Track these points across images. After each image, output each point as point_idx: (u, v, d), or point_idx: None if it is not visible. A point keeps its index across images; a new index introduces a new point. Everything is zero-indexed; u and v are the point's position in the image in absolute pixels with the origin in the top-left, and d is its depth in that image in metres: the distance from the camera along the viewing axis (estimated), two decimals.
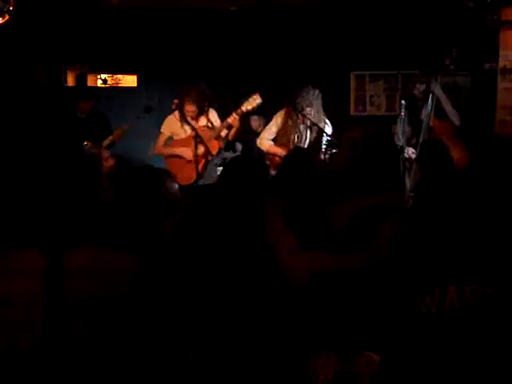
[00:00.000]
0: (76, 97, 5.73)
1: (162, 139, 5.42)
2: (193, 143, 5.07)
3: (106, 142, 5.49)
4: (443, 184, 3.22)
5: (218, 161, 5.43)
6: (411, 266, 2.08)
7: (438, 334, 1.99)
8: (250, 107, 5.14)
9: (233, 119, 5.12)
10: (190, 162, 5.17)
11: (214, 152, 5.19)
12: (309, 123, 5.28)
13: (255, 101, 5.13)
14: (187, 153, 5.18)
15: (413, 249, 2.15)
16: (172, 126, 5.36)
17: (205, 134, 5.13)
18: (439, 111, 5.02)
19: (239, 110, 5.12)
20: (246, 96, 5.25)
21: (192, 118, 5.23)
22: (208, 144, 5.11)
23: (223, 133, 5.24)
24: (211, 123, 5.30)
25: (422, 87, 5.16)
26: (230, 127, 5.21)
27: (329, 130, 5.35)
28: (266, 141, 5.48)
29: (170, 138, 5.44)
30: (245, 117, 6.34)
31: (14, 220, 1.97)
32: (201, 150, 5.11)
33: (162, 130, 5.42)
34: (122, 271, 1.89)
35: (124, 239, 2.51)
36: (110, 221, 2.69)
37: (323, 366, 2.17)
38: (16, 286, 1.81)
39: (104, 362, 1.84)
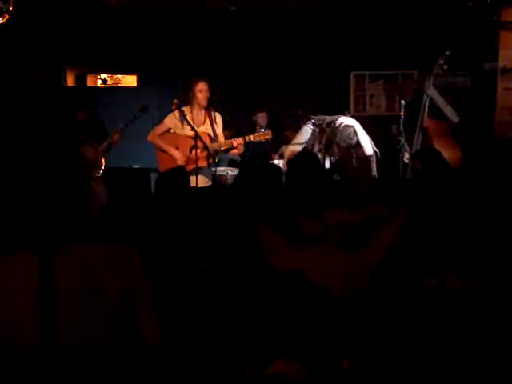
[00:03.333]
0: (70, 101, 5.77)
1: (161, 128, 5.33)
2: (188, 146, 5.08)
3: (104, 145, 5.53)
4: (440, 185, 3.23)
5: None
6: (414, 257, 2.13)
7: (438, 309, 2.05)
8: (258, 139, 5.14)
9: (238, 143, 5.11)
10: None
11: (203, 164, 5.10)
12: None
13: (265, 136, 5.11)
14: (178, 156, 5.17)
15: (414, 243, 2.20)
16: (174, 121, 5.33)
17: (204, 140, 5.06)
18: (434, 111, 5.02)
19: (247, 137, 5.10)
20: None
21: (206, 100, 5.20)
22: (200, 153, 5.01)
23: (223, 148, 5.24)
24: (213, 130, 5.26)
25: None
26: (231, 148, 5.20)
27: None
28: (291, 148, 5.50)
29: (168, 131, 5.40)
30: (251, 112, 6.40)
31: (9, 219, 1.97)
32: (193, 153, 5.06)
33: (164, 121, 5.38)
34: (121, 267, 1.89)
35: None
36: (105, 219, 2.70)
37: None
38: (14, 285, 1.81)
39: (101, 359, 1.85)
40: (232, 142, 5.10)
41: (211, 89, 5.23)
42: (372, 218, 2.68)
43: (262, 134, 5.11)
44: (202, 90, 5.15)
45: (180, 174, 3.45)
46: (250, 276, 2.35)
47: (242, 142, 5.12)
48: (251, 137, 5.09)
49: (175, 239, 2.54)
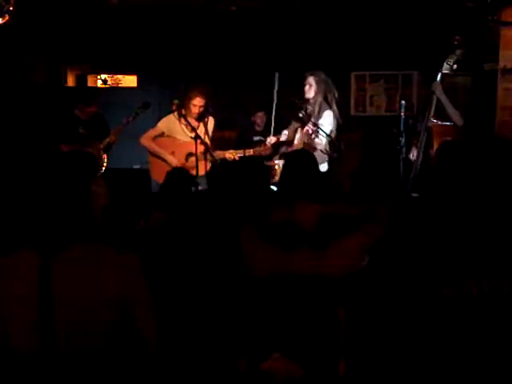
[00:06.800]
0: (76, 100, 5.76)
1: (154, 132, 5.33)
2: (185, 153, 5.05)
3: (104, 143, 5.52)
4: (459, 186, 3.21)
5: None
6: (428, 262, 2.11)
7: (457, 316, 2.03)
8: (257, 154, 5.12)
9: (231, 156, 5.11)
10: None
11: (202, 173, 5.04)
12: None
13: (265, 151, 5.10)
14: (174, 162, 5.14)
15: (428, 246, 2.18)
16: (170, 123, 5.30)
17: (199, 145, 5.01)
18: (440, 112, 4.96)
19: (247, 152, 5.11)
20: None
21: (197, 114, 5.18)
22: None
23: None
24: (208, 135, 5.24)
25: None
26: (224, 159, 5.18)
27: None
28: None
29: (162, 135, 5.38)
30: (249, 114, 6.37)
31: (10, 220, 1.97)
32: (192, 159, 5.04)
33: (158, 124, 5.37)
34: (121, 268, 1.88)
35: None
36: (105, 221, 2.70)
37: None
38: (13, 286, 1.80)
39: (99, 361, 1.84)
40: (226, 155, 5.11)
41: (207, 100, 5.20)
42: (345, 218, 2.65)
43: (261, 149, 5.11)
44: (196, 105, 5.14)
45: (183, 174, 3.45)
46: (233, 280, 2.36)
47: (237, 158, 5.12)
48: (251, 151, 5.10)
49: (179, 240, 2.55)
